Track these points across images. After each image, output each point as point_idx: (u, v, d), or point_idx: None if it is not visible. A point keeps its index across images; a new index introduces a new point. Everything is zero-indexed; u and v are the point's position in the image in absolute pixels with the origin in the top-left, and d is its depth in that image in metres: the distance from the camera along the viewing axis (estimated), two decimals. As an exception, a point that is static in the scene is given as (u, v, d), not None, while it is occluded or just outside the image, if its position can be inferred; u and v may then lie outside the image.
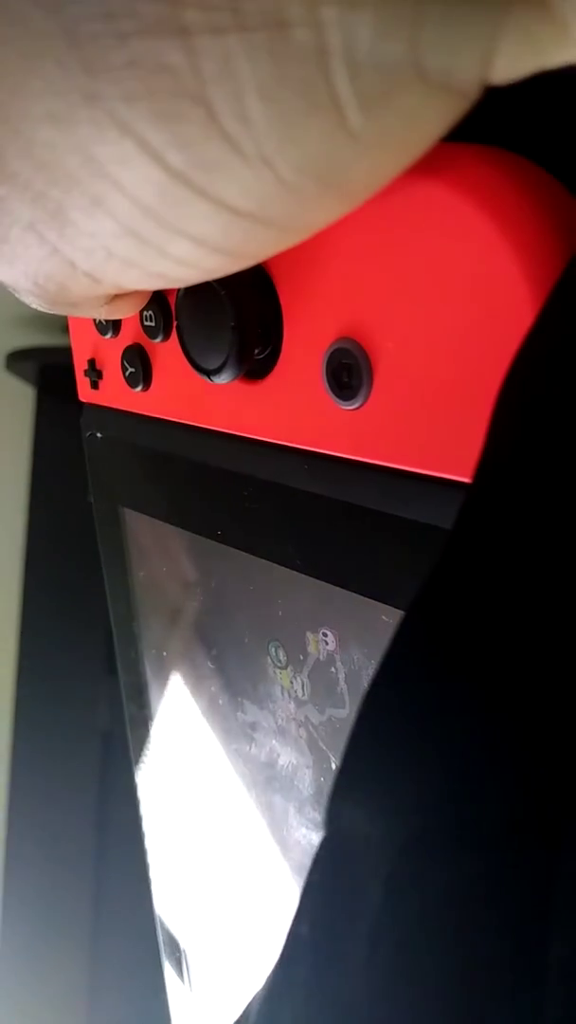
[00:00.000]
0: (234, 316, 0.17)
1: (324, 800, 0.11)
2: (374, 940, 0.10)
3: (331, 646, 0.19)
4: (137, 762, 0.32)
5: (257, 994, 0.12)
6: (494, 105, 0.10)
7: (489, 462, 0.10)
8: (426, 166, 0.12)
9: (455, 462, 0.14)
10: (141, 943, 0.61)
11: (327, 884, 0.11)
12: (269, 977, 0.12)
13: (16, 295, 0.15)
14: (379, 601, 0.17)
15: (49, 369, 0.64)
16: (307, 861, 0.11)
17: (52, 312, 0.15)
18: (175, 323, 0.19)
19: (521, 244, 0.12)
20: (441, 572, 0.10)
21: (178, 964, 0.32)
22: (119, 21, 0.09)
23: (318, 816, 0.22)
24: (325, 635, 0.19)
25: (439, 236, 0.13)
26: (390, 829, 0.10)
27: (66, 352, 0.71)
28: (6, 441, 0.69)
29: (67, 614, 0.66)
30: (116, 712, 0.64)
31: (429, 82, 0.09)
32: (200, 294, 0.17)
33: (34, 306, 0.15)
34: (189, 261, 0.12)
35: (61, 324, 0.67)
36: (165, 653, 0.28)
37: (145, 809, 0.32)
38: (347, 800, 0.11)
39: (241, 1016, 0.13)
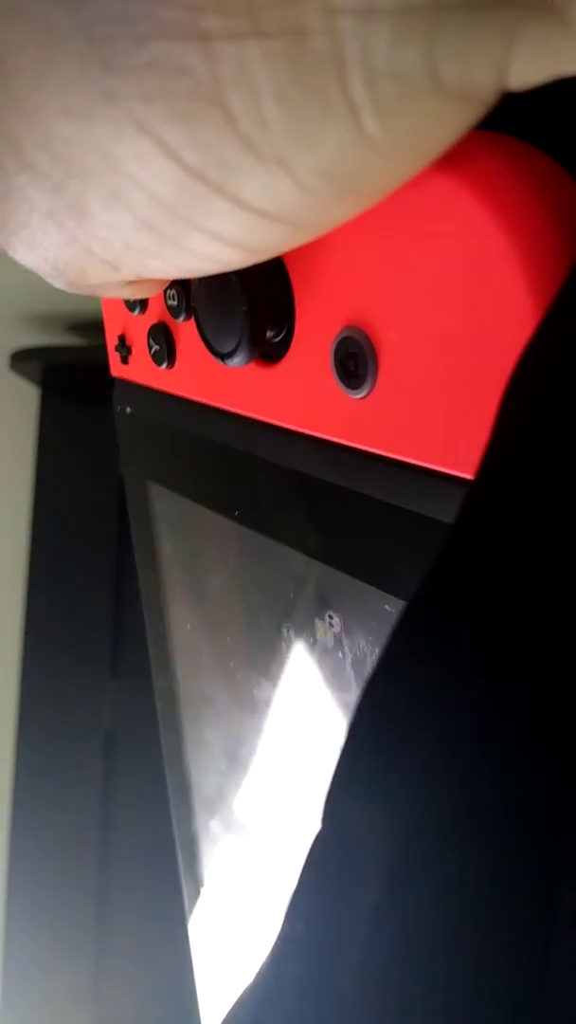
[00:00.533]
0: (246, 300, 0.17)
1: (324, 789, 0.11)
2: (371, 939, 0.09)
3: (337, 629, 0.20)
4: (164, 734, 0.32)
5: (247, 992, 0.12)
6: (510, 94, 0.10)
7: (492, 461, 0.10)
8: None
9: (456, 458, 0.14)
10: (145, 940, 0.61)
11: (323, 880, 0.11)
12: (260, 975, 0.11)
13: (41, 276, 0.15)
14: (379, 589, 0.17)
15: (53, 368, 0.64)
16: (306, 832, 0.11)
17: (74, 292, 0.15)
18: (192, 306, 0.19)
19: (526, 241, 0.12)
20: (441, 567, 0.10)
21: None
22: (137, 23, 0.10)
23: (320, 802, 0.22)
24: (331, 617, 0.20)
25: (443, 229, 0.13)
26: (390, 824, 0.10)
27: (70, 352, 0.71)
28: (10, 440, 0.69)
29: (71, 614, 0.66)
30: (119, 712, 0.65)
31: (445, 90, 0.09)
32: (214, 278, 0.17)
33: (57, 286, 0.15)
34: (206, 254, 0.13)
35: (65, 324, 0.67)
36: (189, 626, 0.29)
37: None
38: (345, 793, 0.11)
39: (230, 1013, 0.13)
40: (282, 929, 0.11)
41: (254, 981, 0.12)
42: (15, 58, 0.11)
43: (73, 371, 0.63)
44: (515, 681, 0.09)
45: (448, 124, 0.10)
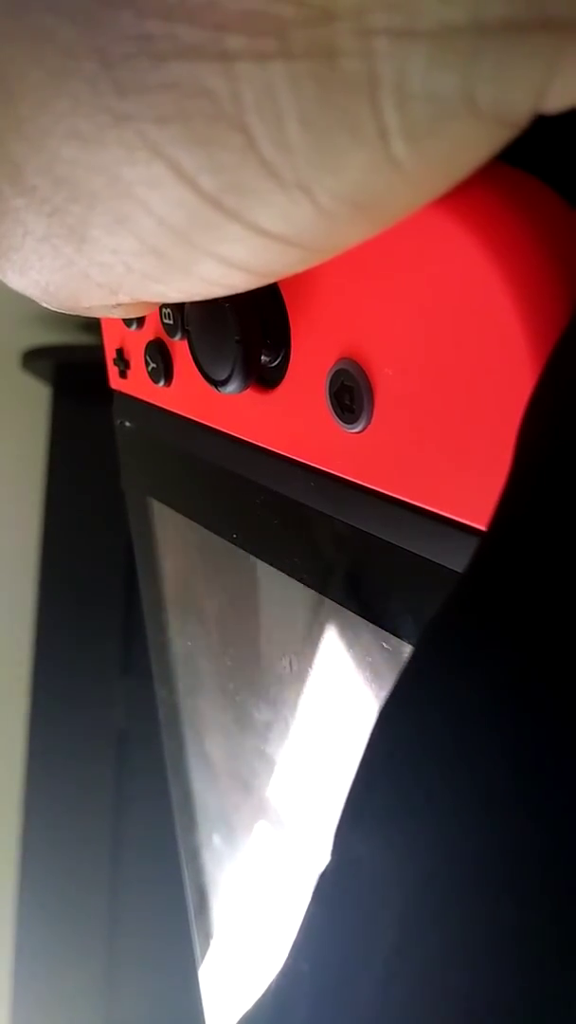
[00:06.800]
0: (239, 330, 0.16)
1: (330, 823, 0.11)
2: (386, 983, 0.09)
3: (333, 663, 0.19)
4: (168, 745, 0.32)
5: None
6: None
7: (507, 513, 0.10)
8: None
9: (450, 499, 0.13)
10: (157, 940, 0.62)
11: (332, 918, 0.10)
12: (263, 1017, 0.11)
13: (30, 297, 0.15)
14: (371, 623, 0.17)
15: (65, 367, 0.64)
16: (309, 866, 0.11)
17: (62, 311, 0.15)
18: (187, 329, 0.19)
19: (520, 276, 0.11)
20: (459, 599, 0.10)
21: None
22: (156, 43, 0.09)
23: (319, 830, 0.22)
24: (327, 651, 0.19)
25: (435, 263, 0.12)
26: (403, 868, 0.09)
27: (82, 351, 0.71)
28: (22, 439, 0.69)
29: (82, 613, 0.66)
30: (131, 711, 0.65)
31: (480, 114, 0.09)
32: (207, 304, 0.17)
33: (44, 305, 0.15)
34: (212, 279, 0.12)
35: (77, 323, 0.67)
36: (189, 643, 0.29)
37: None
38: (355, 831, 0.10)
39: None
40: (287, 966, 0.11)
41: (255, 1015, 0.11)
42: (20, 79, 0.10)
43: (85, 370, 0.62)
44: (540, 719, 0.08)
45: (478, 147, 0.10)
